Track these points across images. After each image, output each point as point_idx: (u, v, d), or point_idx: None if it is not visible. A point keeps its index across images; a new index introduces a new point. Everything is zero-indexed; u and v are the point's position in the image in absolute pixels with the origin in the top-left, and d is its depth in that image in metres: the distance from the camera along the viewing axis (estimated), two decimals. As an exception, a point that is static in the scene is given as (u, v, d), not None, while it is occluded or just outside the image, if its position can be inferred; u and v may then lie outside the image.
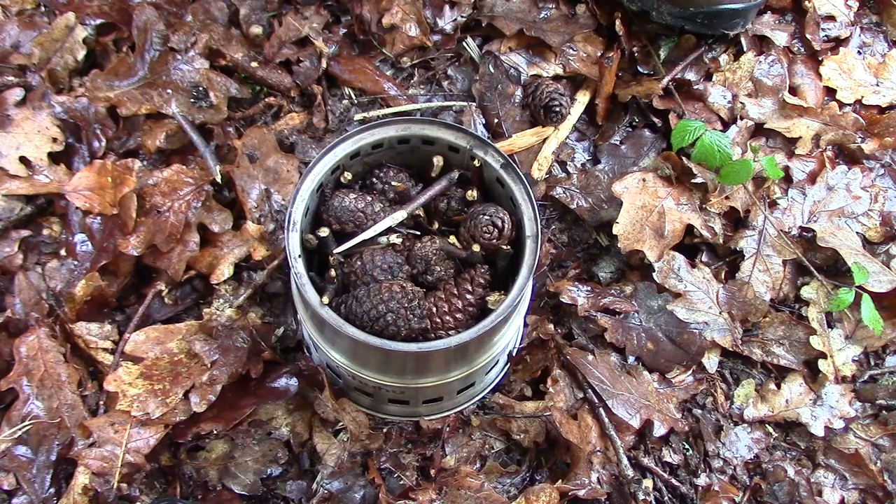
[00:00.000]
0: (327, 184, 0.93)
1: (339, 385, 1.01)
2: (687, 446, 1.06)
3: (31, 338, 1.03)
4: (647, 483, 1.02)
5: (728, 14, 1.16)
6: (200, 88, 1.16)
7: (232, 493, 0.99)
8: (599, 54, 1.24)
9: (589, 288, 1.10)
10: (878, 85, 1.23)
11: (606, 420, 1.03)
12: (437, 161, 0.94)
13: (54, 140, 1.14)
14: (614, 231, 1.09)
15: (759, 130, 1.20)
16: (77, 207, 1.11)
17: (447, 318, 0.88)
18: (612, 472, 1.01)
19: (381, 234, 0.92)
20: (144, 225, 1.08)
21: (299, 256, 0.86)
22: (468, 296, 0.89)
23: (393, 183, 0.95)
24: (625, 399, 1.03)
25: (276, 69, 1.21)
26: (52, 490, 0.98)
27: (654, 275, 1.08)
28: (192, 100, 1.16)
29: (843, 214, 1.14)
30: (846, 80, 1.22)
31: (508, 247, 0.90)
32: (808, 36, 1.24)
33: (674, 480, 1.03)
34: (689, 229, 1.12)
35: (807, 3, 1.26)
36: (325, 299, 0.84)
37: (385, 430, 1.04)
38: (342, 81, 1.23)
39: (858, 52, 1.27)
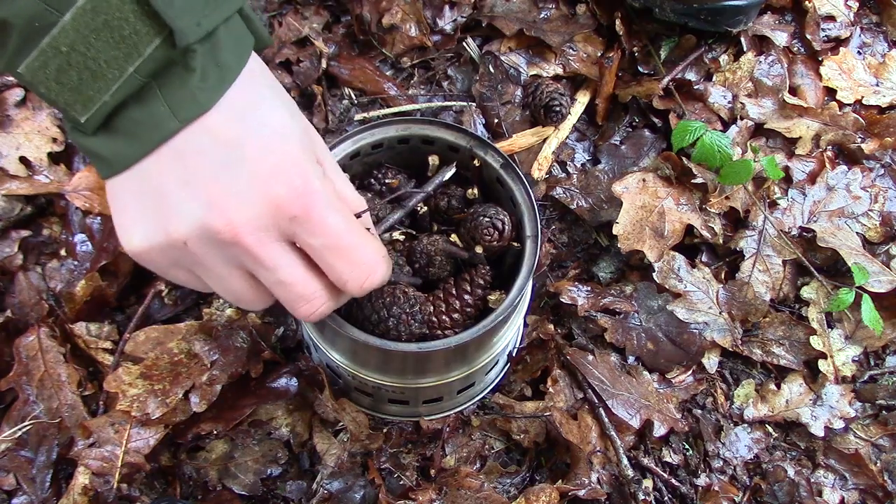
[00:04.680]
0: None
1: (339, 385, 1.01)
2: (687, 446, 1.06)
3: (31, 338, 1.03)
4: (647, 483, 1.02)
5: (731, 10, 1.16)
6: (200, 88, 1.16)
7: (232, 493, 0.99)
8: (599, 54, 1.24)
9: (589, 288, 1.10)
10: (878, 85, 1.23)
11: (606, 420, 1.03)
12: (433, 160, 0.94)
13: (54, 140, 1.15)
14: (614, 231, 1.09)
15: (759, 130, 1.20)
16: (77, 207, 1.11)
17: (444, 317, 0.88)
18: (612, 472, 1.01)
19: (384, 231, 0.93)
20: (144, 225, 1.08)
21: (299, 256, 0.85)
22: (466, 296, 0.89)
23: (387, 181, 0.95)
24: (625, 399, 1.03)
25: (275, 69, 1.21)
26: (51, 490, 0.98)
27: (654, 275, 1.08)
28: (192, 100, 1.16)
29: (843, 214, 1.14)
30: (846, 80, 1.22)
31: (517, 244, 0.90)
32: (808, 36, 1.24)
33: (674, 480, 1.03)
34: (689, 229, 1.12)
35: (807, 3, 1.26)
36: None
37: (385, 430, 1.04)
38: (342, 81, 1.23)
39: (858, 52, 1.27)
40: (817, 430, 1.05)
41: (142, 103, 0.53)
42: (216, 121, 0.55)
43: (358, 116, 1.20)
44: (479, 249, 0.90)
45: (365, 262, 0.61)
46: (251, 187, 0.55)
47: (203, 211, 0.55)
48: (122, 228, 0.59)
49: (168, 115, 0.53)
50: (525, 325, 1.08)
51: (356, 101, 1.22)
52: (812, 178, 1.16)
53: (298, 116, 0.61)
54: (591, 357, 1.05)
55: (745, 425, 1.07)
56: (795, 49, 1.25)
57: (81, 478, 0.97)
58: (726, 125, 1.19)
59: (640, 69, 1.23)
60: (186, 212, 0.55)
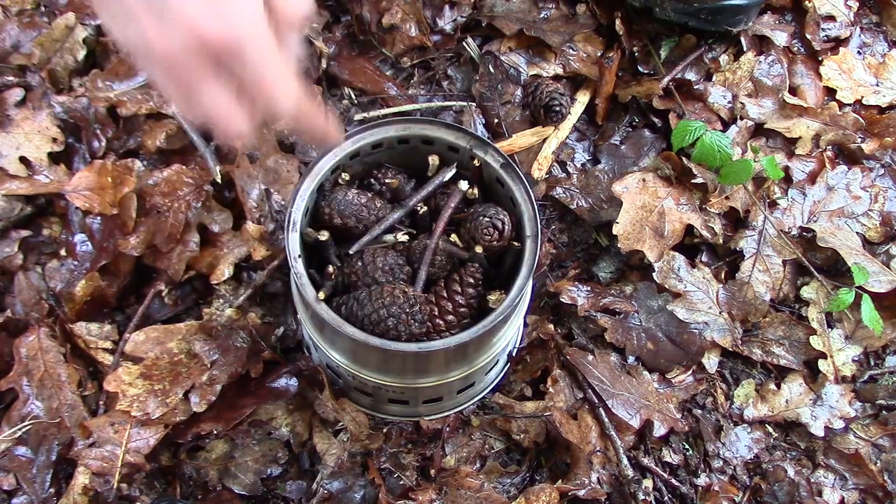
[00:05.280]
0: (327, 183, 0.93)
1: (339, 385, 1.01)
2: (687, 446, 1.06)
3: (31, 338, 1.03)
4: (647, 483, 1.02)
5: (731, 10, 1.16)
6: (200, 88, 1.16)
7: (232, 493, 0.99)
8: (599, 54, 1.24)
9: (589, 288, 1.10)
10: (878, 85, 1.23)
11: (606, 420, 1.03)
12: (433, 160, 0.94)
13: (54, 140, 1.14)
14: (614, 231, 1.09)
15: (759, 130, 1.20)
16: (77, 207, 1.11)
17: (438, 321, 0.88)
18: (612, 472, 1.01)
19: (385, 232, 0.92)
20: (144, 225, 1.08)
21: (299, 256, 0.86)
22: (458, 297, 0.89)
23: (387, 181, 0.95)
24: (625, 399, 1.03)
25: (276, 69, 1.21)
26: (52, 490, 0.98)
27: (654, 275, 1.08)
28: (192, 100, 1.16)
29: (843, 214, 1.14)
30: (846, 80, 1.22)
31: (517, 244, 0.90)
32: (808, 36, 1.24)
33: (674, 480, 1.03)
34: (689, 229, 1.12)
35: (807, 3, 1.26)
36: (322, 295, 0.84)
37: (385, 430, 1.04)
38: (342, 81, 1.23)
39: (858, 52, 1.27)
40: (817, 430, 1.05)
41: None
42: None
43: (358, 116, 1.20)
44: (479, 249, 0.90)
45: (278, 92, 0.66)
46: (179, 21, 0.60)
47: (140, 34, 0.61)
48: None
49: None
50: (525, 325, 1.08)
51: (356, 101, 1.22)
52: (812, 178, 1.16)
53: None
54: (591, 357, 1.05)
55: (745, 425, 1.07)
56: (795, 49, 1.25)
57: (81, 478, 0.97)
58: (726, 125, 1.19)
59: (640, 69, 1.23)
60: (131, 34, 0.61)
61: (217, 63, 0.62)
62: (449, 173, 0.94)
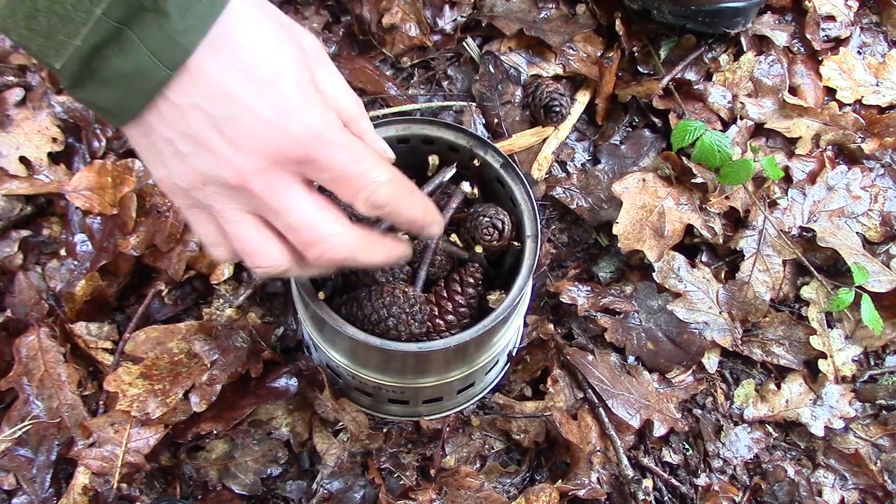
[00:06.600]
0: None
1: (339, 385, 1.01)
2: (687, 446, 1.06)
3: (31, 338, 1.03)
4: (647, 483, 1.02)
5: (729, 12, 1.16)
6: (200, 88, 1.16)
7: (232, 493, 0.99)
8: (599, 54, 1.24)
9: (589, 288, 1.10)
10: (878, 85, 1.23)
11: (606, 420, 1.03)
12: (433, 160, 0.94)
13: (54, 140, 1.14)
14: (614, 231, 1.09)
15: (759, 130, 1.20)
16: (77, 207, 1.11)
17: (438, 321, 0.88)
18: (612, 472, 1.01)
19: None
20: (144, 225, 1.08)
21: (299, 256, 0.85)
22: (458, 297, 0.89)
23: None
24: (625, 399, 1.03)
25: (276, 69, 1.21)
26: (51, 490, 0.98)
27: (654, 275, 1.08)
28: (192, 100, 1.16)
29: (843, 214, 1.14)
30: (846, 80, 1.22)
31: (517, 244, 0.90)
32: (808, 36, 1.24)
33: (674, 480, 1.03)
34: (689, 229, 1.12)
35: (807, 3, 1.26)
36: (322, 295, 0.84)
37: (385, 430, 1.04)
38: (342, 81, 1.23)
39: (858, 52, 1.27)
40: (817, 429, 1.05)
41: (124, 54, 0.53)
42: (205, 69, 0.55)
43: (358, 116, 1.20)
44: (478, 249, 0.90)
45: (371, 181, 0.61)
46: (252, 139, 0.56)
47: (210, 162, 0.57)
48: (147, 167, 0.62)
49: (153, 64, 0.53)
50: (525, 324, 1.08)
51: (356, 101, 1.22)
52: (812, 177, 1.16)
53: (285, 41, 0.59)
54: (591, 357, 1.05)
55: (745, 425, 1.07)
56: (795, 49, 1.25)
57: (81, 478, 0.97)
58: (726, 125, 1.19)
59: (639, 69, 1.23)
60: (194, 163, 0.58)
61: (296, 173, 0.59)
62: (449, 173, 0.94)
